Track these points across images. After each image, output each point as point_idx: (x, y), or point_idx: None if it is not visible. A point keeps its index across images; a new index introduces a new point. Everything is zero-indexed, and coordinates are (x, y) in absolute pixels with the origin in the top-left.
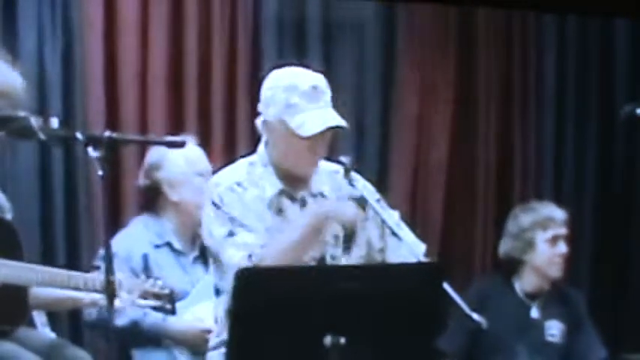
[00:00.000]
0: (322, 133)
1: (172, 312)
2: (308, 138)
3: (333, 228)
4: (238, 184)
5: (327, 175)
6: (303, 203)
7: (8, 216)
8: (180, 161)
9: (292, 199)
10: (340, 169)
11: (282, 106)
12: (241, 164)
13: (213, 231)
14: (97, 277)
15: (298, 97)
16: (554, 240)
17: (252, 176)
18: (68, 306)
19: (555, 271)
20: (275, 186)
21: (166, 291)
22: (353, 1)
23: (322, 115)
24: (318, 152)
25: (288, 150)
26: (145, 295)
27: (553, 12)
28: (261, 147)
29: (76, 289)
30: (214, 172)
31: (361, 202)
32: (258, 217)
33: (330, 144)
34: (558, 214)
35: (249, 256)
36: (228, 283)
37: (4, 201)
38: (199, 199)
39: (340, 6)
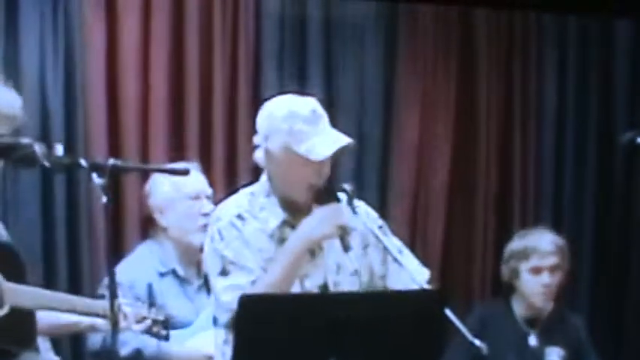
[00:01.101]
0: (332, 155)
1: (166, 338)
2: (321, 161)
3: (334, 256)
4: (239, 217)
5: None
6: None
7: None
8: (166, 187)
9: (294, 228)
10: (343, 197)
11: (286, 134)
12: (242, 195)
13: (209, 266)
14: (101, 303)
15: (302, 123)
16: (536, 270)
17: (253, 207)
18: (70, 330)
19: (539, 301)
20: (278, 217)
21: (161, 317)
22: (354, 26)
23: (330, 137)
24: (324, 175)
25: (293, 177)
26: (140, 321)
27: (555, 32)
28: (263, 177)
29: (81, 314)
30: (218, 198)
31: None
32: (257, 250)
33: (332, 171)
34: (545, 244)
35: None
36: (221, 316)
37: (1, 229)
38: (188, 223)
39: (341, 32)
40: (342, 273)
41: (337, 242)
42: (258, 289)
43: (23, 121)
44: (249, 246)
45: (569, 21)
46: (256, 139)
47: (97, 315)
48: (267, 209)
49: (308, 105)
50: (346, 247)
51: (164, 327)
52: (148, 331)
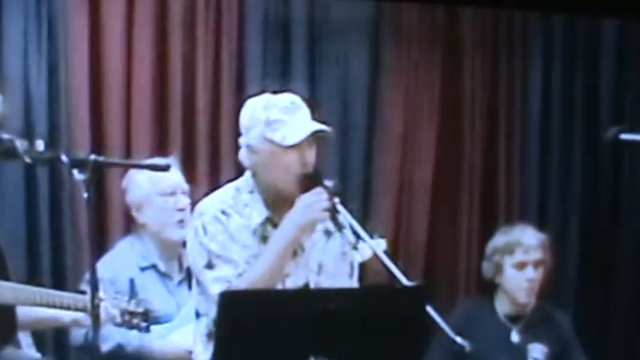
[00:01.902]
0: (308, 143)
1: (147, 330)
2: (294, 146)
3: (316, 256)
4: (223, 212)
5: None
6: None
7: None
8: (143, 182)
9: (276, 227)
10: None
11: (264, 124)
12: (227, 189)
13: (194, 259)
14: (83, 298)
15: (278, 112)
16: (520, 265)
17: (237, 203)
18: (51, 325)
19: (523, 297)
20: (261, 214)
21: (141, 309)
22: (338, 25)
23: (304, 124)
24: (307, 163)
25: (277, 167)
26: (123, 313)
27: (541, 30)
28: (247, 173)
29: (62, 308)
30: (201, 193)
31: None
32: (242, 245)
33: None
34: (529, 239)
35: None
36: (206, 308)
37: None
38: (164, 219)
39: (326, 30)
40: (324, 273)
41: (320, 242)
42: (246, 281)
43: (5, 115)
44: (235, 240)
45: (555, 20)
46: (240, 139)
47: (78, 309)
48: (251, 206)
49: (286, 97)
50: (340, 227)
51: (144, 319)
52: (129, 324)
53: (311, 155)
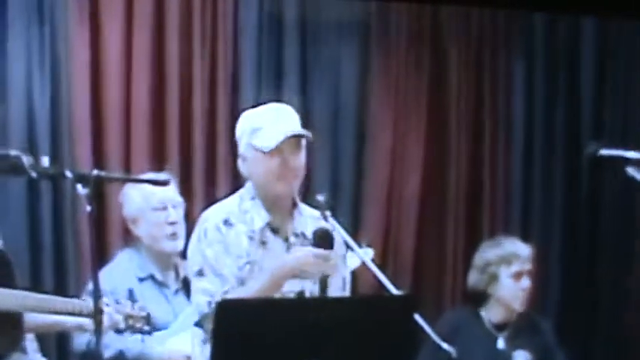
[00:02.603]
0: (291, 148)
1: (149, 333)
2: (275, 151)
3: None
4: (225, 222)
5: (311, 219)
6: (286, 239)
7: None
8: (136, 198)
9: (276, 232)
10: (325, 219)
11: (249, 133)
12: (233, 198)
13: (191, 263)
14: (86, 304)
15: (260, 120)
16: (517, 275)
17: (241, 210)
18: (55, 329)
19: (518, 305)
20: (263, 218)
21: (143, 313)
22: (330, 44)
23: (282, 128)
24: (292, 168)
25: (263, 171)
26: (126, 317)
27: (523, 52)
28: (248, 183)
29: (67, 314)
30: (198, 206)
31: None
32: (237, 256)
33: (307, 182)
34: (523, 250)
35: (210, 303)
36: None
37: None
38: (157, 232)
39: (317, 48)
40: (327, 284)
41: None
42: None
43: None
44: (229, 253)
45: (536, 20)
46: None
47: (83, 315)
48: (252, 212)
49: (271, 105)
50: (324, 290)
51: (146, 322)
52: (132, 328)
53: (295, 160)
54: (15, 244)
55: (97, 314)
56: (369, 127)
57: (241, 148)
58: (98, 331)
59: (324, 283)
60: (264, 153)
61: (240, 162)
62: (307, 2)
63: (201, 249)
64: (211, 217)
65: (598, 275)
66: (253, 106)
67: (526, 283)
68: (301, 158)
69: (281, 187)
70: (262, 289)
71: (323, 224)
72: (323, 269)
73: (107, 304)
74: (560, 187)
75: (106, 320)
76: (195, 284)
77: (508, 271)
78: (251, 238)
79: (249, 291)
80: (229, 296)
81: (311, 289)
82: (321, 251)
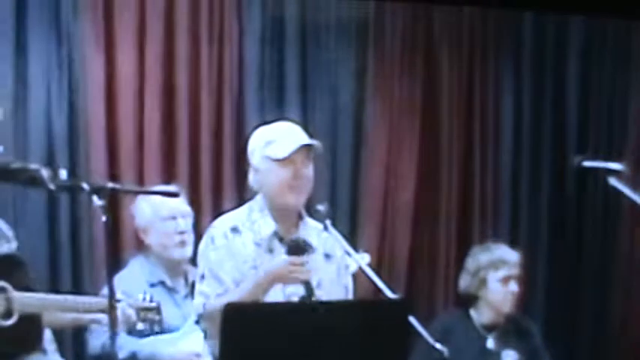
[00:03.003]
0: (302, 158)
1: (160, 322)
2: (288, 161)
3: (316, 274)
4: (234, 229)
5: (315, 231)
6: None
7: (13, 245)
8: (146, 209)
9: (282, 240)
10: (325, 227)
11: (263, 145)
12: (242, 209)
13: (198, 266)
14: (102, 300)
15: (275, 134)
16: (505, 280)
17: (250, 219)
18: (72, 324)
19: (507, 308)
20: (269, 228)
21: (154, 304)
22: (328, 63)
23: (295, 139)
24: (303, 178)
25: (276, 181)
26: (138, 310)
27: (511, 64)
28: (258, 195)
29: (84, 312)
30: (205, 217)
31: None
32: (242, 261)
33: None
34: (511, 256)
35: (204, 304)
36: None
37: (6, 230)
38: (167, 241)
39: (316, 68)
40: (321, 288)
41: (320, 262)
42: (219, 304)
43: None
44: (233, 258)
45: (525, 21)
46: (249, 167)
47: (99, 311)
48: (260, 221)
49: (284, 123)
50: (310, 293)
51: (157, 313)
52: (144, 319)
53: (305, 170)
54: (35, 251)
55: (111, 311)
56: (365, 139)
57: (254, 161)
58: (113, 328)
59: (308, 288)
60: (278, 162)
61: (251, 175)
62: (307, 18)
63: (207, 254)
64: (220, 224)
65: (582, 279)
66: (258, 125)
67: (513, 287)
68: (310, 169)
69: (291, 198)
70: (248, 295)
71: (326, 235)
72: (299, 275)
73: (120, 300)
74: (546, 196)
75: (119, 314)
76: (197, 288)
77: (496, 275)
78: (258, 245)
79: (236, 295)
80: (221, 299)
81: (314, 293)
82: (295, 258)
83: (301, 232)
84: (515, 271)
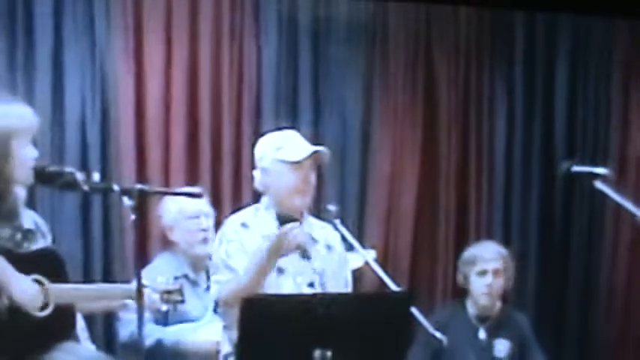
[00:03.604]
0: (310, 164)
1: (182, 301)
2: (299, 165)
3: (319, 263)
4: (243, 225)
5: (317, 227)
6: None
7: (48, 238)
8: (172, 209)
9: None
10: (327, 225)
11: (274, 150)
12: (249, 209)
13: (212, 261)
14: (130, 287)
15: (285, 141)
16: (482, 273)
17: (256, 217)
18: (103, 309)
19: (483, 300)
20: (274, 224)
21: (177, 286)
22: (338, 81)
23: (304, 145)
24: (309, 183)
25: (286, 184)
26: (162, 294)
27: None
28: (264, 197)
29: (115, 298)
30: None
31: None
32: (250, 253)
33: (318, 196)
34: (487, 252)
35: (219, 289)
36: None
37: (42, 225)
38: (191, 238)
39: (327, 83)
40: (326, 276)
41: (323, 252)
42: (230, 290)
43: (37, 127)
44: (243, 249)
45: (516, 20)
46: (254, 172)
47: (129, 297)
48: (266, 219)
49: (290, 131)
50: (307, 257)
51: (180, 294)
52: (168, 300)
53: (312, 175)
54: (70, 248)
55: (139, 296)
56: (372, 147)
57: (264, 164)
58: (140, 312)
59: (303, 251)
60: (290, 166)
61: (260, 177)
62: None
63: (220, 249)
64: (230, 222)
65: (570, 275)
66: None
67: (488, 279)
68: (315, 176)
69: (299, 200)
70: (254, 276)
71: (327, 230)
72: (291, 240)
73: (147, 286)
74: (536, 198)
75: (145, 299)
76: (212, 278)
77: (474, 269)
78: (265, 239)
79: (243, 278)
80: (230, 283)
81: (320, 281)
82: (285, 226)
83: (304, 226)
84: (491, 265)
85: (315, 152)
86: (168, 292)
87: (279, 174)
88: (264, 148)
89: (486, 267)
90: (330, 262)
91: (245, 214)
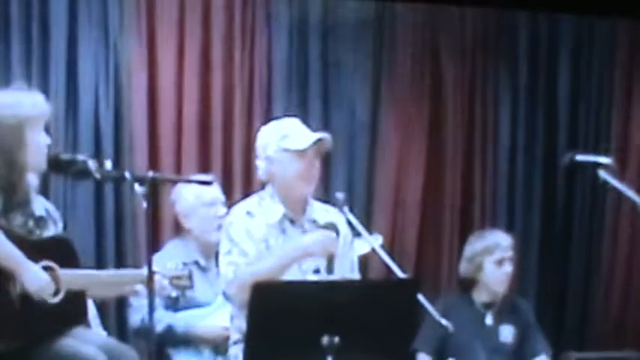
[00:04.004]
0: (314, 153)
1: (191, 287)
2: (304, 154)
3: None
4: (248, 213)
5: (320, 210)
6: (301, 226)
7: (59, 225)
8: (189, 196)
9: (293, 222)
10: (330, 208)
11: (279, 138)
12: (253, 197)
13: (221, 247)
14: (141, 273)
15: (289, 129)
16: (499, 262)
17: (261, 206)
18: (114, 294)
19: (501, 288)
20: (279, 211)
21: (185, 272)
22: (348, 77)
23: (308, 133)
24: (314, 170)
25: (292, 172)
26: (171, 279)
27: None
28: (268, 186)
29: (126, 283)
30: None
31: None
32: (260, 240)
33: (326, 184)
34: (503, 240)
35: (235, 271)
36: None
37: (53, 212)
38: (206, 225)
39: (336, 78)
40: (332, 261)
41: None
42: (249, 272)
43: (50, 115)
44: (252, 237)
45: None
46: (258, 162)
47: (139, 282)
48: (271, 207)
49: (292, 120)
50: (330, 270)
51: (189, 279)
52: (177, 285)
53: (316, 164)
54: (83, 235)
55: (149, 282)
56: (379, 140)
57: (269, 152)
58: (151, 297)
59: (330, 261)
60: (295, 154)
61: (263, 165)
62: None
63: (229, 234)
64: (236, 211)
65: (571, 263)
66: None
67: (507, 268)
68: (319, 163)
69: (304, 188)
70: (278, 266)
71: (331, 213)
72: (329, 248)
73: (157, 272)
74: (539, 188)
75: (156, 285)
76: (223, 260)
77: (491, 258)
78: (270, 227)
79: (267, 265)
80: (251, 267)
81: (326, 267)
82: (329, 234)
83: (307, 212)
84: (508, 253)
85: (319, 140)
86: (177, 277)
87: (283, 162)
88: (268, 137)
89: (504, 255)
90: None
91: (249, 202)
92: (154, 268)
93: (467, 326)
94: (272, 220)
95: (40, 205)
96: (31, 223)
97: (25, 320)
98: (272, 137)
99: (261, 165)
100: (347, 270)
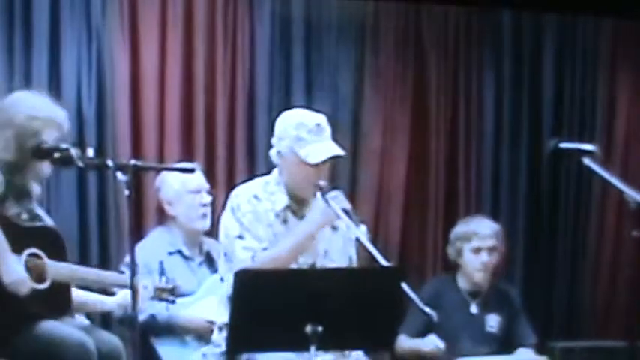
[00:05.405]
0: (325, 161)
1: (173, 302)
2: (315, 165)
3: (323, 244)
4: (254, 197)
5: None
6: (302, 218)
7: (48, 221)
8: (174, 183)
9: (295, 214)
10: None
11: (293, 140)
12: (258, 181)
13: (228, 231)
14: (125, 277)
15: (306, 133)
16: (476, 250)
17: (266, 191)
18: (97, 309)
19: (478, 277)
20: (283, 201)
21: (170, 285)
22: (330, 68)
23: (326, 147)
24: (321, 177)
25: (298, 175)
26: (156, 289)
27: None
28: (275, 171)
29: (108, 284)
30: (219, 192)
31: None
32: (266, 225)
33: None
34: (484, 228)
35: (253, 257)
36: (229, 274)
37: (45, 214)
38: (192, 213)
39: (319, 71)
40: (328, 257)
41: (327, 233)
42: (268, 256)
43: (68, 129)
44: (261, 221)
45: (504, 32)
46: (273, 140)
47: (122, 286)
48: (276, 194)
49: (315, 119)
50: (352, 217)
51: (171, 293)
52: (159, 297)
53: (326, 170)
54: (66, 224)
55: (133, 284)
56: (362, 128)
57: (281, 148)
58: (134, 299)
59: (348, 214)
60: (304, 162)
61: (275, 153)
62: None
63: (237, 217)
64: (242, 193)
65: (557, 250)
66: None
67: (484, 257)
68: (328, 169)
69: (308, 193)
70: (297, 242)
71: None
72: (340, 204)
73: (141, 279)
74: (524, 175)
75: (140, 289)
76: (238, 244)
77: (469, 246)
78: (276, 216)
79: (287, 244)
80: (270, 251)
81: (322, 262)
82: (325, 206)
83: (311, 206)
84: (487, 242)
85: (332, 157)
86: (162, 289)
87: (293, 164)
88: (285, 132)
89: (481, 244)
90: (335, 242)
91: (255, 186)
92: (141, 269)
93: (452, 313)
94: (275, 207)
95: (37, 207)
96: (25, 215)
97: (9, 306)
98: (288, 134)
99: (273, 150)
100: (344, 265)
